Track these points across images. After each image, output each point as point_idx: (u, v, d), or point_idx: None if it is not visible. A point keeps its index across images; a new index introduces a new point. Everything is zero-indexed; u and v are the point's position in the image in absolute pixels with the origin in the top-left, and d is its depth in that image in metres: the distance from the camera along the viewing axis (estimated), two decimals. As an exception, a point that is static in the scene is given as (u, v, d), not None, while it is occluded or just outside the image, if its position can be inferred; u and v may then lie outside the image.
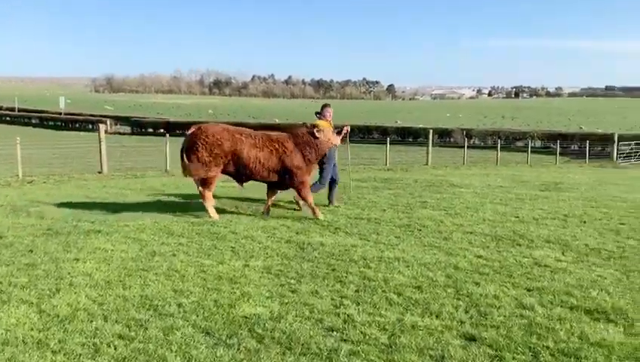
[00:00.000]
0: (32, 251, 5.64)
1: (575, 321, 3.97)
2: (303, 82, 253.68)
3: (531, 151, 29.50)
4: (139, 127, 55.19)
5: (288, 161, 7.67)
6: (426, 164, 21.69)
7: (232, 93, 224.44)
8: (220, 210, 7.90)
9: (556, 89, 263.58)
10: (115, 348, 3.38)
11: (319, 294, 4.47)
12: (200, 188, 7.71)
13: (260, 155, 7.62)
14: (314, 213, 7.78)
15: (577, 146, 36.34)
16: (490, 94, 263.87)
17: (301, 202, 8.28)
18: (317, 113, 8.92)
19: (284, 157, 7.68)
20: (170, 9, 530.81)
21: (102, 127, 15.78)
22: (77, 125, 56.76)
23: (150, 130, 53.52)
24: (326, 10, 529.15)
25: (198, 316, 3.92)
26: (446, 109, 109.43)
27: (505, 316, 4.06)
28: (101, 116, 58.68)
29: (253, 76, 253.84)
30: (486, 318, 4.00)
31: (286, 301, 4.29)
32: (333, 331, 3.71)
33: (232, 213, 8.13)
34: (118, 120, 58.64)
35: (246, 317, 3.90)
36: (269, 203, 8.16)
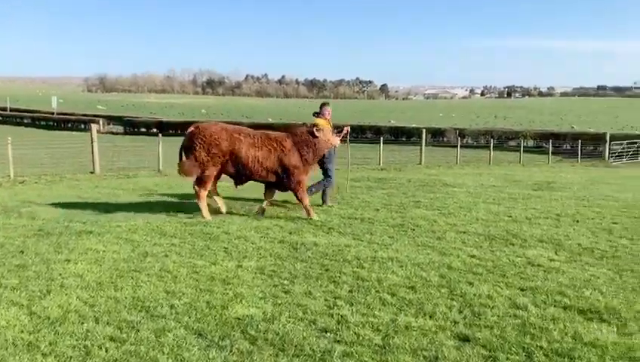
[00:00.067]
0: (22, 252, 5.59)
1: (568, 321, 3.97)
2: (297, 82, 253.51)
3: (524, 151, 29.59)
4: (131, 126, 54.98)
5: (286, 160, 7.64)
6: (420, 164, 21.72)
7: (225, 93, 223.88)
8: (213, 210, 7.87)
9: (548, 89, 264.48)
10: (106, 351, 3.35)
11: (312, 295, 4.45)
12: (195, 186, 7.67)
13: (258, 154, 7.59)
14: (308, 213, 7.75)
15: (569, 146, 36.49)
16: (482, 94, 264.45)
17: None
18: (316, 113, 8.89)
19: (282, 156, 7.65)
20: (163, 8, 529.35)
21: (94, 126, 15.70)
22: (69, 125, 56.45)
23: (143, 129, 53.34)
24: (321, 10, 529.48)
25: (190, 317, 3.89)
26: (439, 109, 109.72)
27: (498, 316, 4.05)
28: (94, 116, 58.46)
29: (247, 76, 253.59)
30: (480, 318, 4.00)
31: (279, 302, 4.26)
32: (326, 332, 3.69)
33: (224, 213, 8.09)
34: (110, 119, 58.40)
35: (239, 319, 3.88)
36: (265, 204, 8.10)
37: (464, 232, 7.06)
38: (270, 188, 8.06)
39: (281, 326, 3.75)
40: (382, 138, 25.35)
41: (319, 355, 3.36)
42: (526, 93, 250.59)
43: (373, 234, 6.84)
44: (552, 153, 29.65)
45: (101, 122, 50.21)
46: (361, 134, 44.12)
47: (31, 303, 4.09)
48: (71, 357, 3.27)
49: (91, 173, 14.27)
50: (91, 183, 12.31)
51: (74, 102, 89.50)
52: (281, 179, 7.76)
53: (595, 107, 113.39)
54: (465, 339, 3.63)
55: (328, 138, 7.99)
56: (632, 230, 7.53)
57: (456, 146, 25.42)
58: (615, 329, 3.84)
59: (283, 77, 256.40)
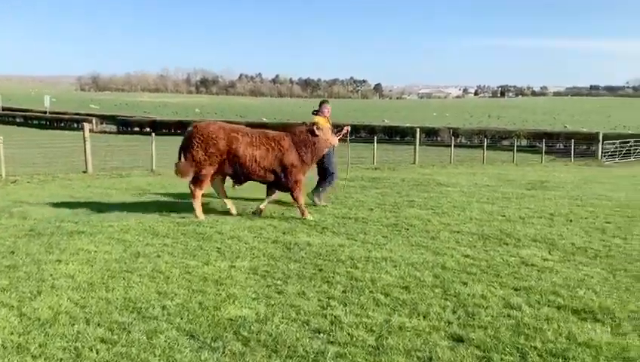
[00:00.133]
0: (13, 253, 5.53)
1: (562, 321, 3.96)
2: (291, 81, 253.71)
3: (517, 150, 29.68)
4: (125, 125, 54.79)
5: (284, 159, 7.60)
6: (414, 163, 21.73)
7: (219, 92, 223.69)
8: (206, 210, 7.82)
9: (541, 88, 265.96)
10: (97, 352, 3.31)
11: (306, 295, 4.42)
12: (191, 185, 7.62)
13: (256, 154, 7.55)
14: (303, 214, 7.72)
15: (563, 145, 36.70)
16: (476, 93, 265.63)
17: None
18: (315, 111, 8.85)
19: (280, 155, 7.61)
20: (157, 7, 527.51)
21: (86, 125, 15.60)
22: (62, 124, 56.26)
23: (136, 129, 53.17)
24: (314, 10, 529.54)
25: (182, 319, 3.85)
26: (433, 108, 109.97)
27: (492, 316, 4.04)
28: (87, 115, 58.24)
29: (241, 75, 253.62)
30: (474, 319, 3.98)
31: (272, 302, 4.23)
32: (319, 333, 3.67)
33: (218, 212, 8.05)
34: (104, 119, 58.24)
35: (231, 320, 3.84)
36: (264, 205, 8.03)
37: (458, 232, 7.05)
38: (271, 188, 8.02)
39: (274, 327, 3.72)
40: (376, 137, 25.33)
41: (312, 356, 3.33)
42: (519, 92, 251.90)
43: (367, 233, 6.81)
44: (546, 152, 29.79)
45: (94, 121, 49.99)
46: (355, 133, 44.17)
47: (21, 304, 4.04)
48: (61, 359, 3.23)
49: (84, 172, 14.17)
50: (84, 183, 12.23)
51: (67, 101, 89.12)
52: (280, 179, 7.72)
53: (587, 107, 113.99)
54: (459, 340, 3.61)
55: (327, 137, 7.95)
56: (625, 229, 7.54)
57: (450, 146, 25.47)
58: (609, 330, 3.83)
59: (277, 76, 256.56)
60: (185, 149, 7.57)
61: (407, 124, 50.46)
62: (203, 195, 7.83)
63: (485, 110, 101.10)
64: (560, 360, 3.36)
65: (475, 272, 5.18)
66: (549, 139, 36.14)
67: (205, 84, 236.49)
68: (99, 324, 3.71)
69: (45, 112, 61.19)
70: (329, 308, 4.14)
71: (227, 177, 8.04)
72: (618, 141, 33.58)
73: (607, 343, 3.58)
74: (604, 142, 32.76)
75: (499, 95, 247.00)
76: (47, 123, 57.68)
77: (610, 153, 32.36)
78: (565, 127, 55.52)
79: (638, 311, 4.19)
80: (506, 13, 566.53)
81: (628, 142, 33.91)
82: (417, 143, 23.21)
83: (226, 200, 8.07)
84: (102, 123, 55.70)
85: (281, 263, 5.35)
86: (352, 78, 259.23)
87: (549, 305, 4.30)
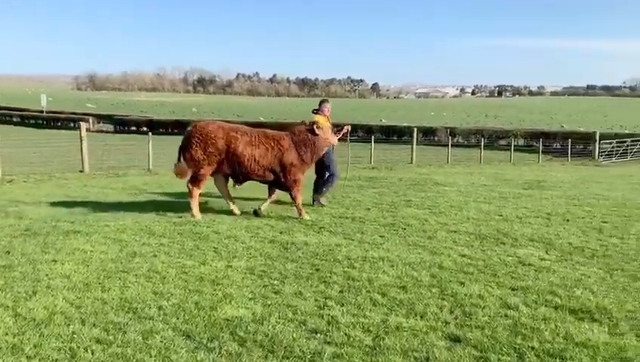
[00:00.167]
0: (9, 252, 5.50)
1: (560, 321, 3.95)
2: (288, 80, 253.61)
3: (514, 150, 29.77)
4: (122, 125, 54.69)
5: (284, 158, 7.59)
6: (411, 163, 21.73)
7: (216, 91, 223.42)
8: (203, 209, 7.80)
9: (538, 88, 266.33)
10: (93, 353, 3.29)
11: (303, 295, 4.41)
12: (189, 185, 7.59)
13: (255, 153, 7.52)
14: (300, 213, 7.70)
15: (559, 145, 36.79)
16: (473, 93, 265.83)
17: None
18: (315, 110, 8.84)
19: (279, 155, 7.59)
20: (154, 7, 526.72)
21: (83, 125, 15.53)
22: (59, 123, 56.05)
23: (133, 128, 53.09)
24: (312, 10, 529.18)
25: (178, 319, 3.83)
26: (430, 108, 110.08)
27: (490, 316, 4.03)
28: (83, 114, 58.10)
29: (238, 74, 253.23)
30: (471, 318, 3.97)
31: (269, 302, 4.21)
32: (316, 333, 3.65)
33: (215, 212, 8.03)
34: (100, 118, 58.08)
35: (228, 320, 3.83)
36: (265, 206, 7.96)
37: (455, 231, 7.04)
38: (272, 187, 8.00)
39: (270, 328, 3.71)
40: (373, 137, 25.34)
41: (309, 357, 3.32)
42: (516, 92, 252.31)
43: (364, 233, 6.80)
44: (543, 152, 29.85)
45: (91, 121, 49.96)
46: (352, 133, 44.15)
47: (16, 304, 4.02)
48: (56, 359, 3.21)
49: (80, 171, 14.13)
50: (80, 182, 12.20)
51: (63, 101, 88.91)
52: (279, 178, 7.70)
53: (584, 106, 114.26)
54: (456, 340, 3.60)
55: (327, 137, 7.94)
56: (622, 229, 7.55)
57: (447, 145, 25.49)
58: (606, 329, 3.82)
59: (274, 75, 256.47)
60: (184, 149, 7.55)
61: (405, 124, 50.48)
62: (200, 195, 7.82)
63: (482, 110, 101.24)
64: (557, 360, 3.35)
65: (472, 272, 5.17)
66: (546, 139, 36.21)
67: (202, 84, 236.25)
68: (94, 324, 3.69)
69: (42, 112, 60.98)
70: (326, 308, 4.12)
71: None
72: (615, 141, 33.68)
73: (605, 343, 3.57)
74: (601, 141, 32.84)
75: (496, 95, 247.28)
76: (44, 122, 57.52)
77: (607, 153, 32.43)
78: (562, 126, 55.61)
79: (636, 311, 4.19)
80: (503, 13, 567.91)
81: (625, 141, 34.02)
82: (415, 143, 23.23)
83: (229, 202, 8.04)
84: (99, 122, 55.56)
85: (278, 263, 5.34)
86: (349, 77, 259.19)
87: (546, 305, 4.29)
